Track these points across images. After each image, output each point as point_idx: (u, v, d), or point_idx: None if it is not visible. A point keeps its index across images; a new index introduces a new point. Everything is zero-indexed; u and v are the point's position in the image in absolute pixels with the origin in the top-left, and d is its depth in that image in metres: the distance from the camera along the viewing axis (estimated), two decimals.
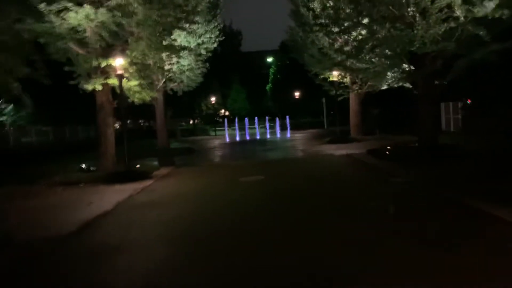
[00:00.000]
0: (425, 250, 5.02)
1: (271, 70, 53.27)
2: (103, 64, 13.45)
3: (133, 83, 14.34)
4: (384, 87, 17.16)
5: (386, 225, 6.34)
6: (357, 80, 23.21)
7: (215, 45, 23.72)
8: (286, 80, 48.83)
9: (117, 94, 14.16)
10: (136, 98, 15.15)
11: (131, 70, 14.20)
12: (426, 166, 11.63)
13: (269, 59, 59.59)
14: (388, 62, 15.30)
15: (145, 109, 27.77)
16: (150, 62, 14.98)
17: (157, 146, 24.26)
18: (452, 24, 11.08)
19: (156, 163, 18.17)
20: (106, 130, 14.80)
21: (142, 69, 14.66)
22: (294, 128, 38.60)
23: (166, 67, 22.35)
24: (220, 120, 53.81)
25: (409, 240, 5.46)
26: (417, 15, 11.81)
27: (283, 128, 37.58)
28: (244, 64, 61.56)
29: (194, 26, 22.73)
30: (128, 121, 50.56)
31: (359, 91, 23.47)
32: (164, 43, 14.49)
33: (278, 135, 34.61)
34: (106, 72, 14.26)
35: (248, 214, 7.65)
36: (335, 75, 22.69)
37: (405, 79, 15.34)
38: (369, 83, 23.05)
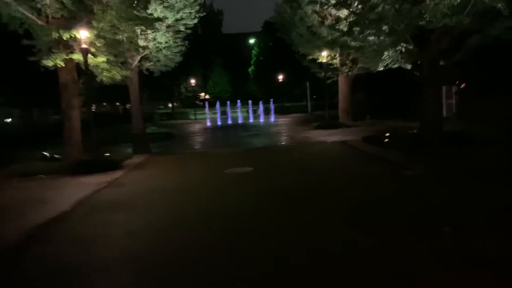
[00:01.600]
0: None
1: (254, 52, 51.32)
2: (66, 37, 11.59)
3: (101, 59, 12.51)
4: (380, 68, 15.68)
5: (435, 244, 4.65)
6: (347, 62, 21.71)
7: (195, 21, 21.72)
8: (269, 63, 47.02)
9: (84, 72, 12.30)
10: (104, 77, 13.32)
11: (98, 44, 12.37)
12: (440, 156, 10.26)
13: (252, 41, 57.51)
14: (388, 40, 13.85)
15: (122, 90, 25.73)
16: (122, 36, 13.11)
17: (132, 131, 22.37)
18: None
19: (130, 150, 16.42)
20: (71, 114, 13.00)
21: (111, 44, 12.81)
22: (277, 112, 37.06)
23: (141, 44, 20.47)
24: (201, 103, 51.84)
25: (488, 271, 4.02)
26: None
27: (266, 112, 35.99)
28: (225, 46, 59.38)
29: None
30: (104, 104, 48.51)
31: (349, 73, 21.99)
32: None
33: (262, 120, 33.04)
34: (69, 46, 12.41)
35: (241, 224, 6.06)
36: (324, 56, 21.13)
37: (407, 59, 13.89)
38: (359, 65, 21.58)
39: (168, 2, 21.01)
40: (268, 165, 11.21)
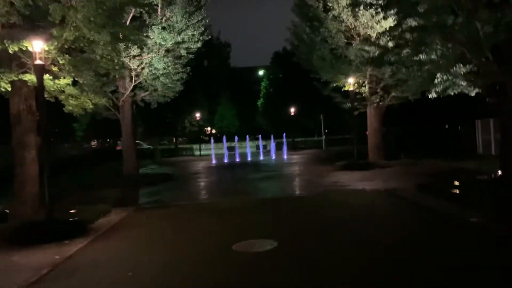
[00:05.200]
0: None
1: (263, 84, 48.49)
2: (12, 50, 8.29)
3: (64, 81, 9.14)
4: (433, 95, 12.20)
5: None
6: (378, 90, 18.29)
7: (199, 44, 18.68)
8: (279, 95, 43.99)
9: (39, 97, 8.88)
10: (71, 106, 9.89)
11: (61, 62, 9.03)
12: None
13: (261, 72, 54.81)
14: (449, 56, 10.47)
15: (115, 125, 22.44)
16: (97, 53, 9.80)
17: (123, 172, 18.88)
18: None
19: (112, 199, 12.81)
20: (25, 155, 9.55)
21: (81, 62, 9.49)
22: (288, 148, 33.34)
23: (133, 67, 17.29)
24: (206, 138, 48.56)
25: None
26: None
27: (277, 148, 32.41)
28: (233, 79, 56.66)
29: (173, 19, 17.83)
30: (93, 141, 45.43)
31: (380, 103, 18.54)
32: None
33: (273, 157, 29.44)
34: (24, 64, 9.13)
35: None
36: (351, 83, 17.76)
37: (476, 81, 10.40)
38: (392, 94, 18.18)
39: (167, 22, 18.06)
40: (299, 233, 7.50)
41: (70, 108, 9.89)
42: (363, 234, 7.07)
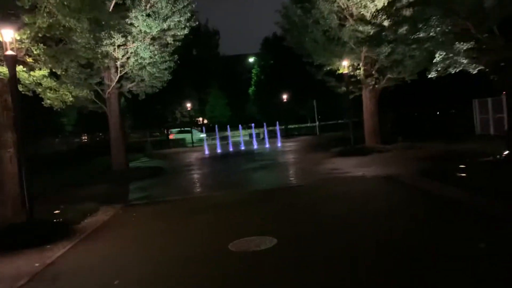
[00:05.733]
0: None
1: (254, 71, 47.66)
2: None
3: (40, 73, 8.44)
4: (433, 75, 11.64)
5: None
6: (373, 73, 17.69)
7: (186, 31, 17.87)
8: (271, 82, 43.23)
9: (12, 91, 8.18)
10: (49, 99, 9.19)
11: (36, 52, 8.33)
12: None
13: (251, 59, 53.91)
14: (450, 32, 9.90)
15: (105, 119, 21.68)
16: (77, 42, 9.08)
17: (112, 166, 18.22)
18: None
19: (100, 197, 12.18)
20: (1, 154, 8.88)
21: (58, 52, 8.80)
22: (281, 135, 32.69)
23: (118, 57, 16.52)
24: (198, 129, 47.85)
25: None
26: None
27: (270, 136, 31.78)
28: (223, 67, 55.66)
29: (158, 5, 16.99)
30: (84, 136, 44.44)
31: (376, 86, 17.94)
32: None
33: (267, 145, 28.84)
34: None
35: None
36: (345, 66, 17.15)
37: (480, 58, 9.85)
38: (388, 75, 17.60)
39: (151, 8, 17.25)
40: (299, 228, 6.94)
41: (49, 101, 9.18)
42: (370, 228, 6.53)
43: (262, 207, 9.00)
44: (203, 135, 33.33)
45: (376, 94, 18.56)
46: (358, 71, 17.80)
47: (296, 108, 43.63)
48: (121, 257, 6.41)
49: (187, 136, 36.94)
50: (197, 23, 18.97)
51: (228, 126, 32.50)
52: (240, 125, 32.26)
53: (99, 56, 9.79)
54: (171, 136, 38.64)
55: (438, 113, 23.16)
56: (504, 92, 19.12)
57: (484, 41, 9.14)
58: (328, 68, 18.20)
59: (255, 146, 28.68)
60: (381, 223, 6.70)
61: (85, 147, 35.59)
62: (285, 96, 41.74)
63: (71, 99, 9.27)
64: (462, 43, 10.02)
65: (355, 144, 18.11)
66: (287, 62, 40.29)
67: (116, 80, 17.26)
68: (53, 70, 9.01)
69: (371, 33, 13.67)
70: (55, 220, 8.56)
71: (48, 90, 8.88)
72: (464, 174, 9.04)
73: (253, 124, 32.69)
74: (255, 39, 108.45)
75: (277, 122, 30.83)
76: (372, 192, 9.37)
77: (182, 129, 39.49)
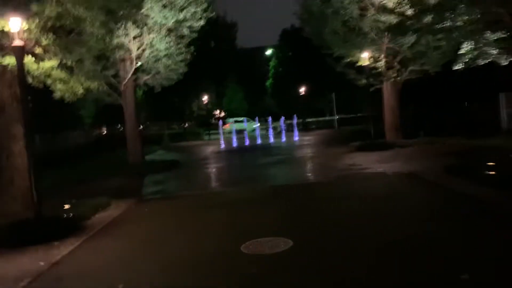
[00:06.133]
0: None
1: (272, 64, 47.16)
2: None
3: (49, 64, 8.18)
4: (459, 67, 11.04)
5: None
6: (395, 64, 17.06)
7: (202, 22, 17.51)
8: (289, 75, 42.68)
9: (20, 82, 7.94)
10: (60, 91, 8.95)
11: (45, 42, 8.07)
12: None
13: (269, 52, 53.30)
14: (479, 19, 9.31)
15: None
16: (90, 31, 8.82)
17: (128, 160, 18.07)
18: None
19: (113, 191, 11.97)
20: (11, 147, 8.70)
21: (68, 42, 8.54)
22: (299, 129, 32.09)
23: (135, 51, 16.28)
24: (215, 121, 47.65)
25: None
26: None
27: (288, 129, 31.29)
28: (240, 60, 55.28)
29: None
30: (103, 128, 44.62)
31: (398, 78, 17.30)
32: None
33: (284, 139, 28.41)
34: (3, 47, 8.19)
35: None
36: (366, 58, 16.56)
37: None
38: (411, 67, 16.94)
39: None
40: (316, 229, 6.54)
41: (59, 93, 8.95)
42: (395, 231, 6.07)
43: (277, 204, 8.62)
44: (256, 125, 33.08)
45: (398, 87, 17.94)
46: (379, 63, 17.20)
47: (314, 101, 43.05)
48: (129, 257, 6.12)
49: (241, 125, 36.72)
50: (214, 13, 18.57)
51: (245, 119, 32.11)
52: (256, 118, 31.83)
53: (111, 47, 9.46)
54: (227, 126, 38.58)
55: (461, 107, 22.31)
56: None
57: None
58: (348, 60, 17.62)
59: (272, 140, 28.27)
60: (408, 226, 6.23)
61: (104, 140, 35.74)
62: (303, 89, 41.16)
63: (81, 91, 9.02)
64: (492, 32, 9.40)
65: (375, 139, 17.55)
66: (306, 54, 39.70)
67: (131, 72, 17.02)
68: (63, 62, 8.74)
69: (394, 22, 13.10)
70: (64, 216, 8.35)
71: (58, 82, 8.63)
72: (493, 172, 8.48)
73: (270, 118, 32.26)
74: (274, 31, 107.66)
75: (295, 115, 30.27)
76: (394, 191, 8.86)
77: (238, 119, 39.25)
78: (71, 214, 8.47)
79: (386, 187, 9.34)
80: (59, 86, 8.68)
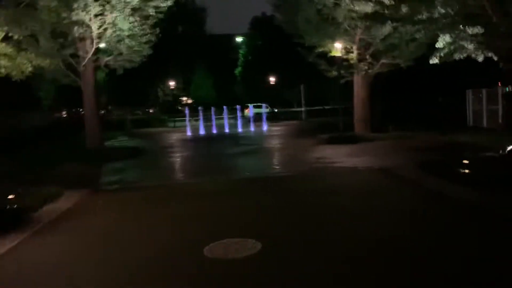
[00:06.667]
0: None
1: (241, 52, 46.29)
2: None
3: None
4: (435, 61, 10.73)
5: None
6: (367, 57, 16.75)
7: (169, 3, 16.59)
8: (259, 64, 42.00)
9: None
10: (3, 67, 7.99)
11: None
12: None
13: (239, 39, 52.30)
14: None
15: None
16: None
17: (86, 145, 17.04)
18: None
19: (67, 178, 11.06)
20: None
21: (16, 15, 7.59)
22: (267, 119, 31.47)
23: (95, 29, 15.21)
24: (182, 108, 46.50)
25: None
26: None
27: (256, 119, 30.68)
28: (209, 46, 53.97)
29: None
30: (64, 111, 42.72)
31: (369, 71, 17.02)
32: None
33: (252, 129, 27.86)
34: None
35: None
36: (338, 49, 16.17)
37: (499, 43, 8.96)
38: (383, 60, 16.69)
39: None
40: (287, 228, 6.01)
41: (2, 70, 7.98)
42: (371, 232, 5.63)
43: (243, 199, 8.06)
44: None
45: (368, 80, 17.67)
46: (351, 54, 16.84)
47: (283, 91, 42.65)
48: (74, 257, 5.40)
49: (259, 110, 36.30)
50: None
51: (212, 108, 31.20)
52: (225, 107, 31.06)
53: (67, 22, 8.54)
54: (247, 110, 38.03)
55: (429, 102, 22.42)
56: (499, 83, 18.51)
57: (499, 24, 8.24)
58: (320, 50, 17.16)
59: (240, 129, 27.66)
60: (384, 226, 5.81)
61: (63, 123, 34.12)
62: (272, 79, 40.67)
63: (30, 69, 8.08)
64: (470, 26, 9.11)
65: (344, 132, 17.28)
66: (276, 44, 39.14)
67: (91, 53, 15.94)
68: (10, 35, 7.80)
69: (369, 12, 12.70)
70: (7, 207, 7.47)
71: (2, 57, 7.68)
72: (467, 170, 8.23)
73: (238, 107, 31.56)
74: (244, 19, 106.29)
75: (263, 105, 29.69)
76: (368, 187, 8.45)
77: (256, 104, 38.93)
78: (15, 206, 7.61)
79: (358, 183, 8.94)
80: (3, 62, 7.72)
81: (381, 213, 6.54)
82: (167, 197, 8.68)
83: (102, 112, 44.20)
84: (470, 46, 9.77)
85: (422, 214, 6.38)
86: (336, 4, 15.49)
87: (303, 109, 39.46)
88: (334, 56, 16.64)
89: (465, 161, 8.59)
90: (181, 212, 7.31)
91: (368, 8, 12.21)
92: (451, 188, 7.53)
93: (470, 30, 9.20)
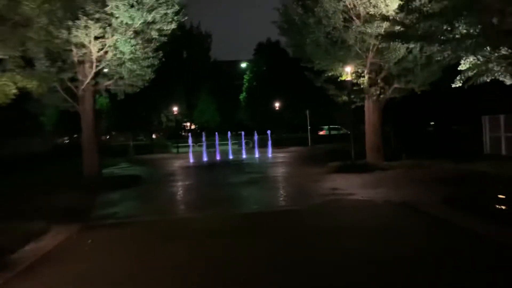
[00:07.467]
0: None
1: (246, 77, 45.83)
2: None
3: None
4: (458, 84, 9.93)
5: None
6: (378, 81, 15.97)
7: (173, 26, 15.96)
8: (263, 89, 41.44)
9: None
10: None
11: None
12: None
13: (243, 65, 52.02)
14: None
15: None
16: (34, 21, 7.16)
17: (84, 172, 16.18)
18: None
19: (57, 210, 10.16)
20: None
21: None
22: (272, 145, 30.48)
23: (95, 52, 14.60)
24: (185, 134, 45.81)
25: None
26: None
27: (261, 145, 29.77)
28: (214, 72, 53.68)
29: None
30: (66, 136, 42.04)
31: (380, 96, 16.21)
32: None
33: (257, 155, 26.98)
34: None
35: None
36: (349, 72, 15.43)
37: None
38: (395, 85, 15.89)
39: None
40: (296, 283, 5.05)
41: None
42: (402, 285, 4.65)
43: (248, 238, 7.10)
44: None
45: (380, 106, 16.82)
46: (362, 79, 16.07)
47: (288, 117, 41.97)
48: None
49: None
50: (186, 17, 17.02)
51: (216, 133, 30.42)
52: (229, 132, 30.26)
53: (58, 41, 7.81)
54: (323, 132, 42.43)
55: (443, 129, 21.53)
56: None
57: None
58: (329, 74, 16.40)
59: (244, 156, 26.78)
60: (416, 280, 4.83)
61: (63, 149, 33.47)
62: (277, 104, 40.03)
63: (14, 91, 7.29)
64: (498, 48, 8.32)
65: (356, 161, 16.33)
66: (281, 69, 38.69)
67: (90, 76, 15.27)
68: None
69: (382, 32, 11.99)
70: None
71: None
72: (504, 207, 7.26)
73: (243, 132, 30.76)
74: (249, 45, 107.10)
75: (269, 132, 28.84)
76: (389, 227, 7.44)
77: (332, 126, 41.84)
78: None
79: (379, 220, 7.93)
80: None
81: (414, 263, 5.52)
82: (160, 235, 7.73)
83: (107, 137, 43.72)
84: (496, 68, 8.97)
85: (467, 264, 5.38)
86: (346, 27, 14.85)
87: (308, 134, 38.59)
88: (344, 80, 15.86)
89: (501, 196, 7.62)
90: (175, 256, 6.37)
91: (380, 29, 11.50)
92: (492, 228, 6.54)
93: (502, 50, 8.43)
